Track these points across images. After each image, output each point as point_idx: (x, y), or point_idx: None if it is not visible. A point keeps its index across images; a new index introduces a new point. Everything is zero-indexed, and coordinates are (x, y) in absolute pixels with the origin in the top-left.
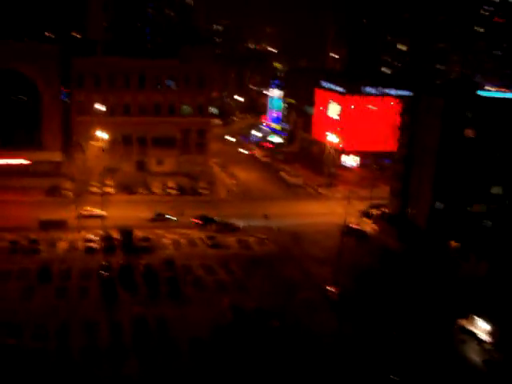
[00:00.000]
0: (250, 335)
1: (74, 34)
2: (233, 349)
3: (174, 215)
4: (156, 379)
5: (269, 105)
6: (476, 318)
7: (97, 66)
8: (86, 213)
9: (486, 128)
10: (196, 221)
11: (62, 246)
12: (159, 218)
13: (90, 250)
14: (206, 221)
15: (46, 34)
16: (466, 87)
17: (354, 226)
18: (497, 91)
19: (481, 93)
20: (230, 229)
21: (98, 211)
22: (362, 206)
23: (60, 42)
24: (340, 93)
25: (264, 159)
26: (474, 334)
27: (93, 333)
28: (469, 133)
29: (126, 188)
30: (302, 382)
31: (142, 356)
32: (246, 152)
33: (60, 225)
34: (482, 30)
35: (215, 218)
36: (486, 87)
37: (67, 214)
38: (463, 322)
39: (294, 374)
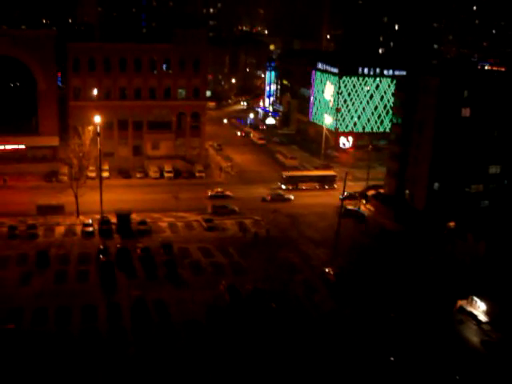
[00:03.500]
0: (247, 317)
1: (68, 19)
2: (230, 331)
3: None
4: (154, 361)
5: (267, 87)
6: (475, 298)
7: (92, 50)
8: (214, 193)
9: (482, 106)
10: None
11: (60, 230)
12: (276, 198)
13: (87, 234)
14: None
15: (41, 19)
16: (463, 66)
17: (351, 208)
18: (492, 69)
19: (479, 71)
20: (227, 211)
21: (227, 192)
22: (358, 187)
23: (55, 27)
24: (336, 74)
25: (260, 141)
26: (472, 315)
27: (92, 316)
28: (465, 112)
29: (122, 172)
30: (301, 362)
31: (141, 338)
32: (242, 134)
33: (57, 209)
34: (476, 7)
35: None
36: (483, 65)
37: (65, 199)
38: (462, 303)
39: (293, 355)
